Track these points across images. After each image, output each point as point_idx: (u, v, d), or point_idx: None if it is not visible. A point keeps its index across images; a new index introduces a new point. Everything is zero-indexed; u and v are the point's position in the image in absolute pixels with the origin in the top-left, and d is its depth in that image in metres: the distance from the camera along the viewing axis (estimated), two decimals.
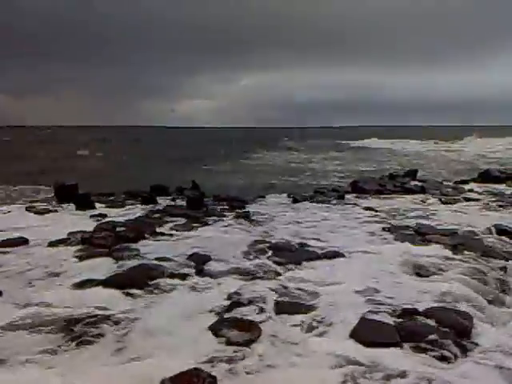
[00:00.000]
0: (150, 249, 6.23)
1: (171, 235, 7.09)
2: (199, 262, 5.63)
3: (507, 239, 6.81)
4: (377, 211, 9.22)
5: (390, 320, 3.95)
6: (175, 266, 5.45)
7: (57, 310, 4.13)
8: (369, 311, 4.11)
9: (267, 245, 6.46)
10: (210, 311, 4.15)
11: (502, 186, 12.92)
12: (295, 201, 10.60)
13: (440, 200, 10.44)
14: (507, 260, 5.83)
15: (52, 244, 6.38)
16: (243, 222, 8.18)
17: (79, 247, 6.22)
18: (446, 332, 3.68)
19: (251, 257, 5.97)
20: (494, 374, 3.16)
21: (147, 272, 5.15)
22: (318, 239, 6.87)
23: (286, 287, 4.85)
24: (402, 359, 3.32)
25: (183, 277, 5.13)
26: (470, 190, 12.00)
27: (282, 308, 4.24)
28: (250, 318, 3.99)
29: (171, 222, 8.07)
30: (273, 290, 4.70)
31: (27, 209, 9.12)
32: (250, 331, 3.68)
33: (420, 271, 5.31)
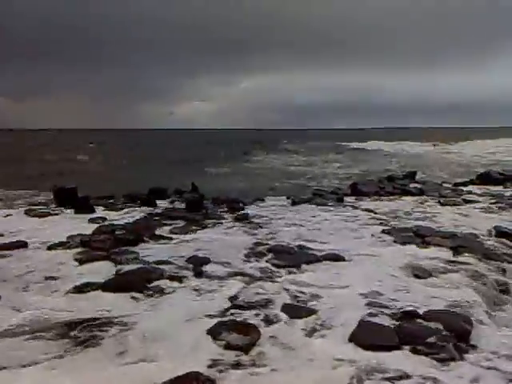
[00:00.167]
0: (149, 252, 6.23)
1: (170, 238, 7.08)
2: (198, 264, 5.63)
3: (507, 241, 6.81)
4: (376, 213, 9.22)
5: (390, 323, 3.95)
6: (174, 269, 5.45)
7: (56, 313, 4.12)
8: (368, 314, 4.11)
9: (266, 247, 6.45)
10: (209, 314, 4.14)
11: (501, 188, 12.92)
12: (294, 203, 10.59)
13: (439, 202, 10.43)
14: (507, 262, 5.83)
15: (51, 247, 6.38)
16: (242, 224, 8.18)
17: (78, 250, 6.21)
18: (445, 335, 3.68)
19: (250, 259, 5.97)
20: (493, 376, 3.15)
21: (146, 275, 5.15)
22: (317, 242, 6.86)
23: (285, 290, 4.84)
24: (401, 362, 3.32)
25: (182, 280, 5.12)
26: (469, 192, 12.00)
27: (280, 311, 4.24)
28: (249, 321, 3.99)
29: (170, 224, 8.06)
30: (272, 293, 4.70)
31: (26, 212, 9.12)
32: (250, 334, 3.67)
33: (420, 274, 5.30)
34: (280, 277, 5.29)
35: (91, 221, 8.35)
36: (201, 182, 13.41)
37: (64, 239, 6.72)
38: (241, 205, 10.18)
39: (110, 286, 4.79)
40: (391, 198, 11.45)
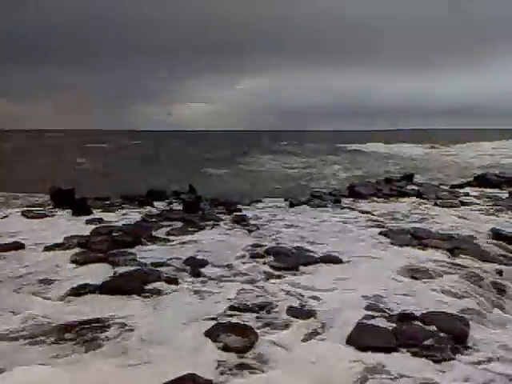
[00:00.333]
0: (146, 253, 6.22)
1: (168, 239, 7.07)
2: (196, 266, 5.62)
3: (504, 243, 6.83)
4: (373, 215, 9.24)
5: (387, 325, 3.95)
6: (172, 271, 5.45)
7: (53, 315, 4.11)
8: (366, 316, 4.11)
9: (264, 249, 6.45)
10: (207, 316, 4.13)
11: (497, 190, 12.95)
12: (292, 205, 10.59)
13: (436, 204, 10.45)
14: (504, 264, 5.85)
15: (48, 249, 6.36)
16: (240, 226, 8.17)
17: (75, 252, 6.19)
18: (442, 336, 3.69)
19: (248, 261, 5.97)
20: (490, 378, 3.16)
21: (143, 277, 5.14)
22: (314, 243, 6.86)
23: (283, 292, 4.84)
24: (399, 364, 3.32)
25: (180, 282, 5.11)
26: (466, 194, 12.02)
27: (278, 313, 4.24)
28: (246, 323, 3.98)
29: (168, 226, 8.05)
30: (270, 295, 4.70)
31: (23, 213, 9.09)
32: (247, 336, 3.67)
33: (417, 275, 5.31)
34: (278, 279, 5.29)
35: (88, 222, 8.33)
36: (198, 184, 13.42)
37: (61, 241, 6.70)
38: (238, 206, 10.19)
39: (107, 288, 4.78)
40: (389, 199, 11.47)
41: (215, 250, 6.40)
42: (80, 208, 9.31)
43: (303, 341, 3.73)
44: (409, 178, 15.65)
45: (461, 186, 13.90)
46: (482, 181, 14.21)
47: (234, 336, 3.65)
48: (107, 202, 10.96)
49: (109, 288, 4.79)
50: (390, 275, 5.33)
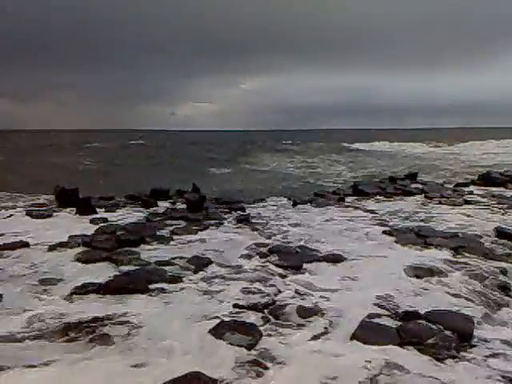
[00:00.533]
0: (150, 252, 6.24)
1: (172, 238, 7.09)
2: (200, 265, 5.63)
3: (508, 242, 6.81)
4: (377, 214, 9.23)
5: (392, 323, 3.95)
6: (176, 270, 5.46)
7: (57, 314, 4.13)
8: (370, 314, 4.10)
9: (268, 247, 6.46)
10: (211, 315, 4.14)
11: (502, 189, 12.90)
12: (295, 204, 10.59)
13: (440, 202, 10.43)
14: (508, 262, 5.83)
15: (52, 248, 6.39)
16: (244, 224, 8.18)
17: (80, 251, 6.23)
18: (447, 335, 3.68)
19: (251, 259, 5.98)
20: (494, 376, 3.15)
21: (148, 276, 5.15)
22: (318, 242, 6.87)
23: (286, 290, 4.85)
24: (403, 361, 3.31)
25: (184, 280, 5.13)
26: (471, 193, 11.98)
27: (282, 311, 4.24)
28: (250, 321, 3.99)
29: (171, 225, 8.07)
30: (274, 293, 4.71)
31: (28, 213, 9.12)
32: (251, 334, 3.68)
33: (421, 274, 5.30)
34: (282, 277, 5.29)
35: (92, 221, 8.36)
36: (202, 183, 13.42)
37: (65, 240, 6.73)
38: (242, 205, 10.19)
39: (111, 287, 4.80)
40: (393, 198, 11.45)
41: (219, 249, 6.41)
42: (84, 207, 9.34)
43: (308, 339, 3.73)
44: (413, 176, 15.61)
45: (465, 185, 13.86)
46: (486, 179, 14.15)
47: (238, 334, 3.66)
48: (111, 202, 11.00)
49: (113, 287, 4.80)
50: (395, 274, 5.33)
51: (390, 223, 8.29)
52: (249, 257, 6.11)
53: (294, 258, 5.96)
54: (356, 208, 10.01)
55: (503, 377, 3.14)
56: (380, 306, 4.35)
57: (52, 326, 3.90)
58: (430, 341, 3.57)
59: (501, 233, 7.18)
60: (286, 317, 4.13)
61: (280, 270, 5.52)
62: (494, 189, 12.88)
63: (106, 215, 9.08)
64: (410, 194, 11.93)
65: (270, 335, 3.75)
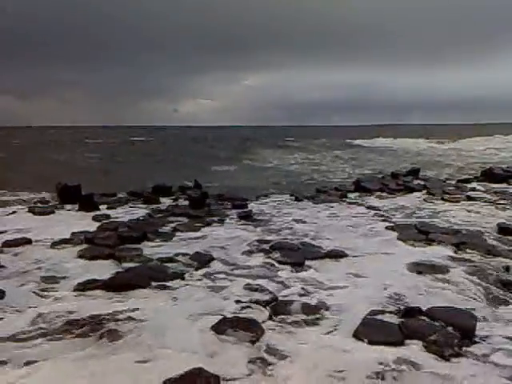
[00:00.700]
0: (153, 249, 6.25)
1: (174, 235, 7.10)
2: (202, 261, 5.64)
3: (510, 238, 6.80)
4: (379, 210, 9.22)
5: (394, 319, 3.95)
6: (178, 266, 5.47)
7: (61, 311, 4.14)
8: (373, 311, 4.10)
9: (270, 244, 6.46)
10: (213, 311, 4.14)
11: (504, 185, 12.87)
12: (298, 200, 10.59)
13: (443, 199, 10.41)
14: (511, 259, 5.82)
15: (55, 244, 6.40)
16: (246, 221, 8.19)
17: (82, 247, 6.24)
18: (449, 331, 3.68)
19: (254, 256, 5.98)
20: (497, 373, 3.15)
21: (150, 272, 5.17)
22: (321, 238, 6.88)
23: (289, 286, 4.86)
24: (405, 358, 3.31)
25: (186, 277, 5.14)
26: (473, 189, 11.95)
27: (284, 307, 4.25)
28: (252, 317, 3.99)
29: (174, 221, 8.08)
30: (276, 290, 4.71)
31: (30, 210, 9.14)
32: (253, 330, 3.68)
33: (423, 270, 5.30)
34: (285, 274, 5.30)
35: (95, 218, 8.37)
36: (204, 179, 13.43)
37: (68, 236, 6.74)
38: (244, 202, 10.19)
39: (114, 284, 4.81)
40: (395, 194, 11.44)
41: (222, 246, 6.43)
42: (87, 204, 9.36)
43: (311, 335, 3.73)
44: (415, 172, 15.58)
45: (468, 181, 13.81)
46: (488, 176, 14.11)
47: (240, 330, 3.66)
48: (114, 198, 11.03)
49: (116, 283, 4.82)
50: (397, 270, 5.33)
51: (393, 219, 8.29)
52: (251, 253, 6.12)
53: (296, 255, 5.96)
54: (358, 204, 10.01)
55: (507, 373, 3.14)
56: (382, 303, 4.35)
57: (57, 322, 3.90)
58: (432, 337, 3.57)
59: (503, 229, 7.17)
60: (289, 313, 4.13)
61: (283, 267, 5.52)
62: (496, 185, 12.84)
63: (108, 212, 9.09)
64: (412, 190, 11.91)
65: (273, 331, 3.75)
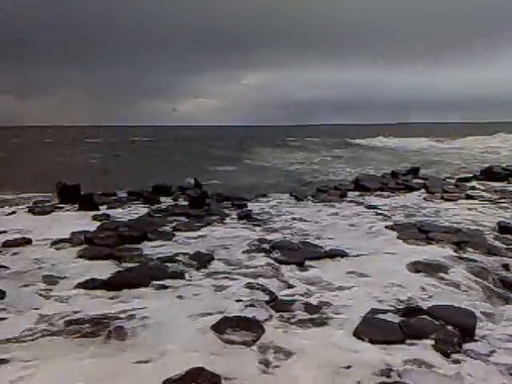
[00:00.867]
0: (153, 249, 6.25)
1: (174, 235, 7.09)
2: (202, 261, 5.63)
3: (510, 237, 6.80)
4: (379, 209, 9.22)
5: (394, 318, 3.95)
6: (179, 266, 5.46)
7: (60, 310, 4.14)
8: (373, 309, 4.10)
9: (270, 243, 6.45)
10: (213, 310, 4.14)
11: (504, 184, 12.87)
12: (298, 199, 10.60)
13: (442, 197, 10.40)
14: (511, 257, 5.82)
15: (55, 244, 6.39)
16: (246, 220, 8.19)
17: (82, 247, 6.22)
18: (449, 330, 3.68)
19: (254, 255, 5.97)
20: (497, 371, 3.15)
21: (151, 272, 5.16)
22: (321, 238, 6.87)
23: (289, 286, 4.86)
24: (405, 356, 3.32)
25: (186, 276, 5.14)
26: (473, 188, 11.95)
27: (285, 307, 4.25)
28: (253, 317, 3.99)
29: (174, 221, 8.07)
30: (277, 289, 4.71)
31: (30, 209, 9.14)
32: (254, 330, 3.68)
33: (424, 269, 5.29)
34: (284, 272, 5.30)
35: (95, 218, 8.36)
36: (204, 179, 13.43)
37: (68, 236, 6.73)
38: (244, 201, 10.19)
39: (114, 283, 4.80)
40: (395, 193, 11.44)
41: (221, 245, 6.42)
42: (86, 204, 9.36)
43: (312, 334, 3.73)
44: (415, 171, 15.59)
45: (467, 180, 13.81)
46: (488, 174, 14.11)
47: (240, 330, 3.66)
48: (113, 198, 11.03)
49: (116, 283, 4.81)
50: (398, 269, 5.32)
51: (393, 218, 8.28)
52: (251, 252, 6.10)
53: (297, 254, 5.96)
54: (358, 203, 10.00)
55: (506, 371, 3.14)
56: (383, 302, 4.35)
57: (58, 322, 3.90)
58: (433, 336, 3.57)
59: (503, 228, 7.17)
60: (290, 312, 4.13)
61: (283, 266, 5.51)
62: (496, 183, 12.84)
63: (108, 212, 9.08)
64: (412, 189, 11.91)
65: (274, 331, 3.74)
